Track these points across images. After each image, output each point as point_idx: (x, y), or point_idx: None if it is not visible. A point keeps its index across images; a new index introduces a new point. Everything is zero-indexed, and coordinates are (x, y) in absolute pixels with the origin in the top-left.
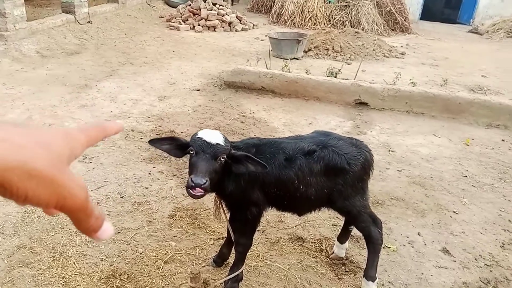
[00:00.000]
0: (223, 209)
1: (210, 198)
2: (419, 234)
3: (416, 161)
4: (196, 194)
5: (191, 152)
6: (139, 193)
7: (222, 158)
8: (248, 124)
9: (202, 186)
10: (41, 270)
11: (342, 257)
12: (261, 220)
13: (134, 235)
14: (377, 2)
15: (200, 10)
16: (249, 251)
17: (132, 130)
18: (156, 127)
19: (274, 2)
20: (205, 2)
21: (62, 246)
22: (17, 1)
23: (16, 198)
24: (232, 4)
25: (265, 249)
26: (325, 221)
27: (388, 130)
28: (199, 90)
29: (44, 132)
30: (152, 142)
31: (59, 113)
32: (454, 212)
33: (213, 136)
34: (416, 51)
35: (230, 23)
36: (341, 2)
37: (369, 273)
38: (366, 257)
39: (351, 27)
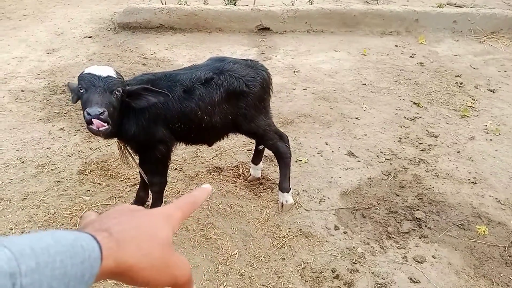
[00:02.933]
0: (129, 153)
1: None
2: (326, 144)
3: (320, 78)
4: (98, 128)
5: (81, 91)
6: (41, 155)
7: (117, 91)
8: (151, 65)
9: (100, 116)
10: None
11: (259, 177)
12: (171, 158)
13: (43, 197)
14: None
15: None
16: (168, 189)
17: (22, 91)
18: (49, 84)
19: None
20: None
21: None
22: None
23: (137, 284)
24: None
25: (184, 185)
26: (240, 148)
27: (291, 52)
28: (91, 37)
29: (149, 220)
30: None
31: None
32: (356, 118)
33: (103, 70)
34: None
35: None
36: None
37: (283, 186)
38: (276, 169)
39: None
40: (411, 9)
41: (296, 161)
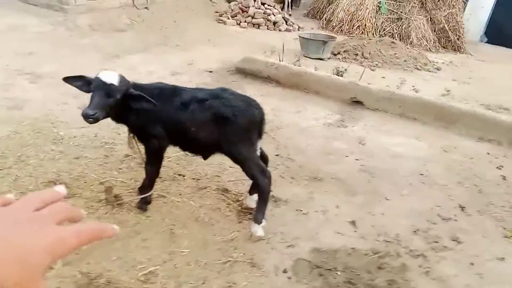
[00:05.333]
0: (134, 139)
1: None
2: (337, 207)
3: (382, 156)
4: (87, 121)
5: (92, 89)
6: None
7: (117, 96)
8: None
9: (91, 116)
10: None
11: (252, 208)
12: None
13: (89, 162)
14: (431, 18)
15: (248, 7)
16: (176, 189)
17: None
18: None
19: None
20: (255, 1)
21: (26, 156)
22: None
23: None
24: (291, 8)
25: (190, 192)
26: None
27: (371, 128)
28: (211, 71)
29: (31, 238)
30: (66, 79)
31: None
32: (386, 198)
33: (110, 77)
34: (455, 69)
35: (275, 23)
36: (393, 14)
37: (256, 217)
38: (273, 211)
39: (400, 40)
40: None
41: (297, 210)
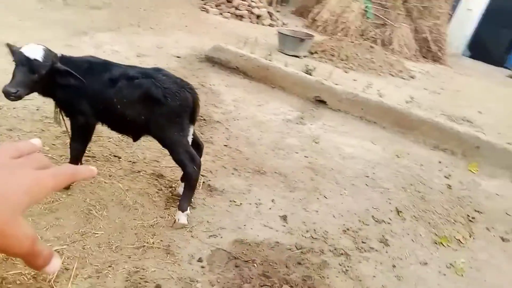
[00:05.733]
0: (61, 113)
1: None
2: (272, 201)
3: (332, 156)
4: (9, 99)
5: (15, 63)
6: None
7: (41, 72)
8: (199, 91)
9: (13, 94)
10: None
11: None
12: (93, 132)
13: (22, 134)
14: (415, 27)
15: None
16: (108, 170)
17: None
18: None
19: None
20: None
21: None
22: None
23: None
24: (280, 4)
25: (122, 174)
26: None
27: (328, 127)
28: (179, 57)
29: (8, 180)
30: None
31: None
32: (324, 196)
33: (34, 52)
34: (430, 79)
35: (258, 16)
36: (378, 19)
37: (181, 204)
38: (205, 200)
39: (382, 46)
40: (475, 134)
41: (230, 201)
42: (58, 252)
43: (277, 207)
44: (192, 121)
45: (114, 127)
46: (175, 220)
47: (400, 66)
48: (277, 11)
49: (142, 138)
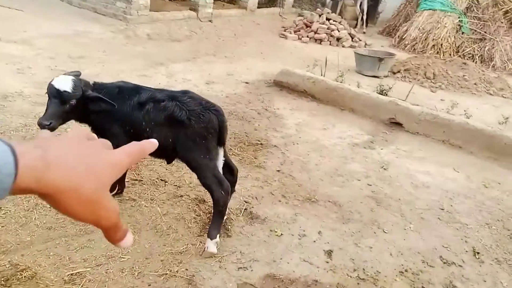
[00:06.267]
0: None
1: None
2: (319, 233)
3: (401, 183)
4: (43, 130)
5: (48, 96)
6: None
7: (72, 102)
8: (262, 116)
9: (46, 126)
10: None
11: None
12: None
13: None
14: None
15: (312, 23)
16: (151, 194)
17: None
18: None
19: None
20: (320, 16)
21: None
22: None
23: (59, 211)
24: (366, 26)
25: (165, 198)
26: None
27: (402, 152)
28: (247, 83)
29: (97, 158)
30: None
31: (120, 76)
32: (383, 230)
33: (63, 84)
34: None
35: (338, 39)
36: (475, 34)
37: (210, 231)
38: (243, 228)
39: (481, 62)
40: None
41: (271, 231)
42: (81, 274)
43: (323, 240)
44: (221, 143)
45: None
46: (205, 248)
47: (502, 83)
48: (363, 33)
49: None
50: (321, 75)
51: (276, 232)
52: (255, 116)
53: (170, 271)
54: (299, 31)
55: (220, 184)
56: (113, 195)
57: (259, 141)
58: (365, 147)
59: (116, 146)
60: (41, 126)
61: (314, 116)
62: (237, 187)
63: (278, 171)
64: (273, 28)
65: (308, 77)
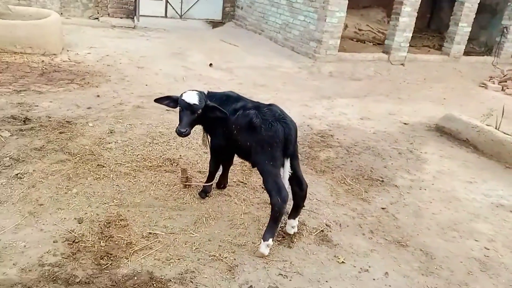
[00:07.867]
0: (207, 138)
1: None
2: (385, 274)
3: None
4: (181, 137)
5: (180, 108)
6: None
7: (198, 111)
8: (402, 156)
9: (183, 133)
10: None
11: (290, 234)
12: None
13: None
14: None
15: None
16: (242, 194)
17: None
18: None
19: None
20: None
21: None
22: (334, 35)
23: None
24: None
25: (255, 201)
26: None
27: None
28: (406, 124)
29: None
30: (157, 100)
31: (285, 104)
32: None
33: (192, 98)
34: None
35: None
36: None
37: (265, 234)
38: (309, 246)
39: None
40: None
41: (335, 256)
42: (156, 235)
43: (386, 282)
44: (287, 154)
45: (235, 151)
46: (258, 248)
47: None
48: None
49: None
50: (496, 126)
51: (338, 258)
52: (394, 155)
53: (220, 255)
54: (505, 81)
55: (279, 191)
56: (219, 189)
57: (381, 177)
58: (492, 202)
59: (217, 145)
60: (179, 133)
61: (466, 168)
62: (326, 211)
63: (383, 208)
64: (477, 77)
65: (473, 125)
